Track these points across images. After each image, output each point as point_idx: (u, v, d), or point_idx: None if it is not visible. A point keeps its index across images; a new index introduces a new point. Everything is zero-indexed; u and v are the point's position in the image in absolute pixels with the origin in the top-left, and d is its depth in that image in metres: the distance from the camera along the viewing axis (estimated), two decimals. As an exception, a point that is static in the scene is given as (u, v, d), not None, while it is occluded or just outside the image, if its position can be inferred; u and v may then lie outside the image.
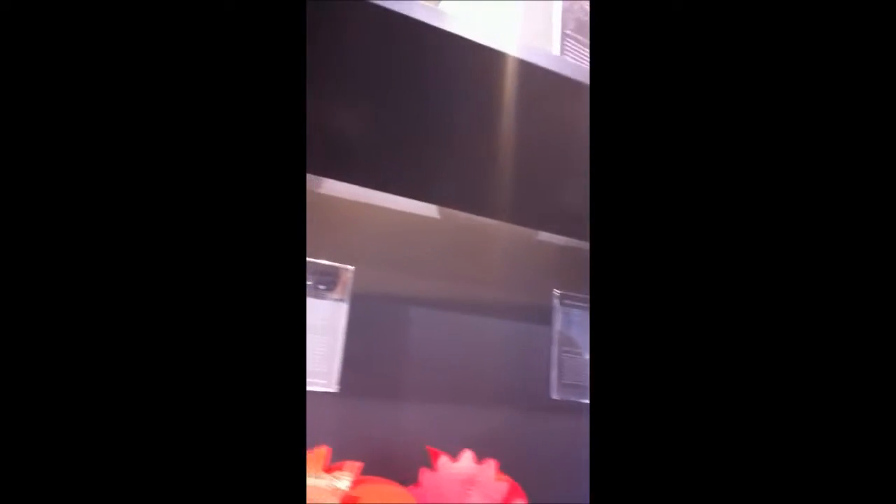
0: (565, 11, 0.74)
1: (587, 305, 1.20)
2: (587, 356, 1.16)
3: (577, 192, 0.94)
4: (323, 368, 0.91)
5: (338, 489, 0.56)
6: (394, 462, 0.91)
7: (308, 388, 0.89)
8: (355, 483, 0.61)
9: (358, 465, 0.63)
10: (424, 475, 0.72)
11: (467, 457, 0.73)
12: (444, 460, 0.72)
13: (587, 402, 1.13)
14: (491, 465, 0.73)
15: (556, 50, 0.71)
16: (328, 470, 0.60)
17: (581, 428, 1.10)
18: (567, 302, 1.17)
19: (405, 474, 0.90)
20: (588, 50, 0.75)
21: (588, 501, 1.05)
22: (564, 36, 0.73)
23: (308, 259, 0.94)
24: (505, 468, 1.00)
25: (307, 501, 0.54)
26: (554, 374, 1.10)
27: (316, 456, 0.60)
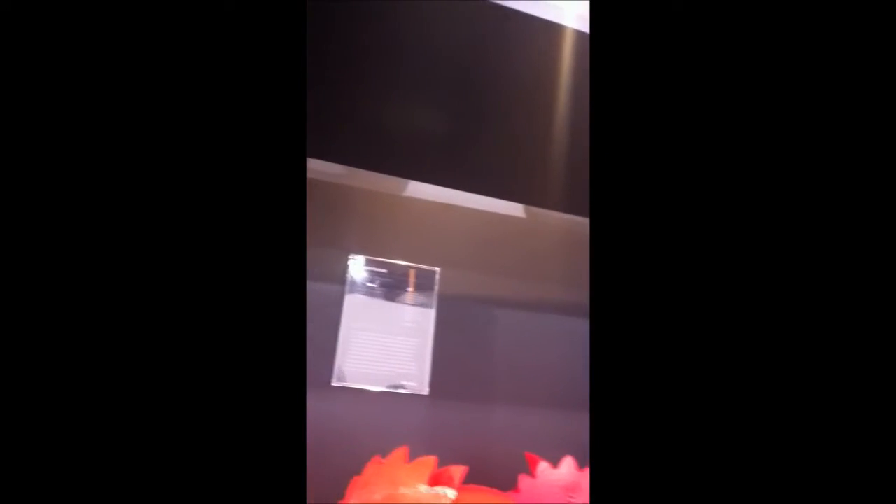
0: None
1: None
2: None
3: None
4: (413, 371, 0.91)
5: (441, 495, 0.55)
6: (488, 466, 0.90)
7: (398, 390, 0.89)
8: (458, 490, 0.59)
9: (462, 469, 0.62)
10: (524, 481, 0.70)
11: (568, 463, 0.70)
12: (543, 466, 0.70)
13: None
14: (593, 472, 0.69)
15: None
16: (434, 475, 0.59)
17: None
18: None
19: (501, 479, 0.88)
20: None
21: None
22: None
23: (393, 261, 0.95)
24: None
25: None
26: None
27: (423, 465, 0.59)
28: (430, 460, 0.60)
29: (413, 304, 0.94)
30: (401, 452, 0.61)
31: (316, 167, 0.96)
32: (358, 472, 0.63)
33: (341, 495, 0.64)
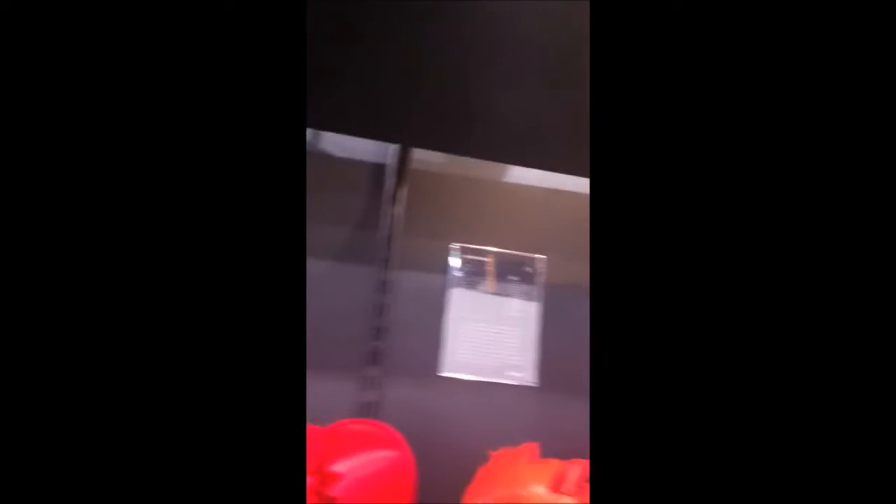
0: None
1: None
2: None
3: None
4: (520, 361, 0.90)
5: (561, 501, 0.54)
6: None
7: (505, 381, 0.88)
8: (577, 488, 0.57)
9: (582, 467, 0.59)
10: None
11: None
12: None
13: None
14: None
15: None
16: (556, 476, 0.58)
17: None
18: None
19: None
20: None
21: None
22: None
23: (497, 250, 0.93)
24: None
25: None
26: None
27: (545, 466, 0.58)
28: (554, 463, 0.58)
29: (519, 293, 0.93)
30: (527, 449, 0.60)
31: (417, 156, 0.96)
32: (475, 463, 0.63)
33: (457, 486, 0.64)
